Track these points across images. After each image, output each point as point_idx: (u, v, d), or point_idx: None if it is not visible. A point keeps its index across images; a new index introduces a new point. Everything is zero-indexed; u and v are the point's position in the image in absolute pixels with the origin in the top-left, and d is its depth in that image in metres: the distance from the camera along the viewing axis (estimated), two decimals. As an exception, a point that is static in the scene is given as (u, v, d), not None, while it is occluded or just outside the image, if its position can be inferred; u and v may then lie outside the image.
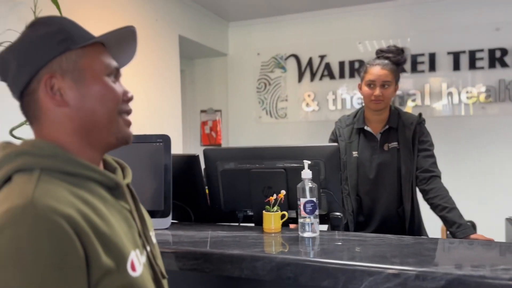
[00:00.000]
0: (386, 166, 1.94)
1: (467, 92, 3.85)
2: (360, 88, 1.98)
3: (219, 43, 4.63)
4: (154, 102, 3.50)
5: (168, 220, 1.61)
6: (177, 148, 3.65)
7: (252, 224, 1.65)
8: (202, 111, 4.92)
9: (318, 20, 4.36)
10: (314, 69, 4.42)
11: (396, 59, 1.91)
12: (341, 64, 4.28)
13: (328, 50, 4.34)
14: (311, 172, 1.42)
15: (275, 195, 1.52)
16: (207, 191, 1.74)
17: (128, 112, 0.82)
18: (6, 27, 2.09)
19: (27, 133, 0.88)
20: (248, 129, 4.75)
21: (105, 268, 0.65)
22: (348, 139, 2.01)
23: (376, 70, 1.88)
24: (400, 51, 1.92)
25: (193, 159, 1.72)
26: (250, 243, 1.31)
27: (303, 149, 1.62)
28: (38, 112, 0.75)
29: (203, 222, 1.73)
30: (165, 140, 1.61)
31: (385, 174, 1.94)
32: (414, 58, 3.98)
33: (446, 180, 1.90)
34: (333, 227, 1.55)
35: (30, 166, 0.69)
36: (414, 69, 4.00)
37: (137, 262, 0.73)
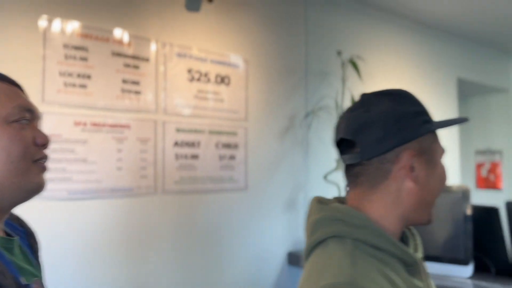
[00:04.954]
0: None
1: None
2: None
3: (499, 79, 4.36)
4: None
5: (469, 269, 1.75)
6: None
7: None
8: (478, 152, 4.51)
9: None
10: None
11: None
12: None
13: None
14: None
15: None
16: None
17: None
18: (322, 94, 2.78)
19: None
20: None
21: None
22: None
23: None
24: None
25: (493, 211, 1.81)
26: None
27: None
28: (382, 180, 0.77)
29: (505, 276, 1.77)
30: (464, 190, 1.80)
31: None
32: None
33: None
34: None
35: (343, 234, 0.75)
36: None
37: None
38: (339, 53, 2.76)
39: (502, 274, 1.77)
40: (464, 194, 1.76)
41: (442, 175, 0.80)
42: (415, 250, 0.83)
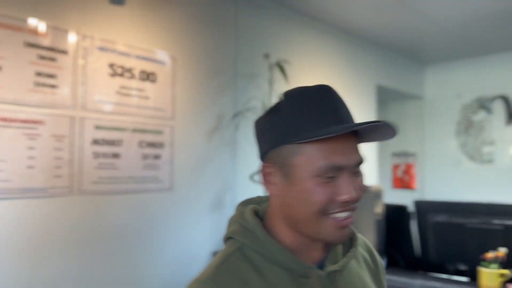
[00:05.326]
0: None
1: None
2: None
3: (414, 87, 4.61)
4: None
5: (382, 264, 1.87)
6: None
7: (465, 279, 1.69)
8: (395, 154, 4.75)
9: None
10: (527, 111, 4.12)
11: None
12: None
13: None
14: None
15: (492, 252, 1.55)
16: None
17: (342, 212, 0.69)
18: (249, 96, 2.78)
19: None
20: (446, 174, 4.48)
21: None
22: None
23: None
24: None
25: (403, 209, 1.93)
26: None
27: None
28: (265, 181, 0.75)
29: (411, 270, 1.86)
30: (377, 190, 1.89)
31: None
32: None
33: None
34: None
35: (236, 237, 0.74)
36: None
37: None
38: (266, 56, 2.81)
39: (410, 268, 1.91)
40: (377, 194, 1.88)
41: (305, 194, 0.68)
42: (335, 262, 0.76)
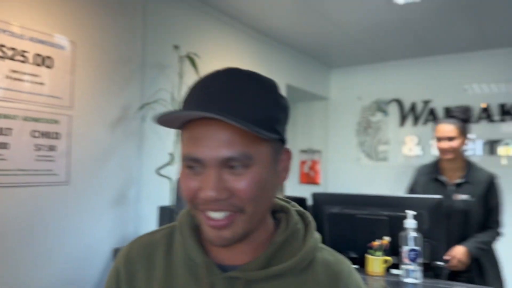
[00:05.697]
0: (455, 215, 2.16)
1: None
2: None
3: (321, 88, 4.86)
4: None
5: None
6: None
7: (356, 266, 1.75)
8: (302, 151, 4.91)
9: (422, 66, 4.48)
10: (417, 114, 4.47)
11: (462, 117, 2.30)
12: (447, 110, 4.27)
13: (432, 96, 4.38)
14: (415, 222, 1.59)
15: (378, 241, 1.69)
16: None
17: (208, 211, 0.61)
18: (158, 87, 2.70)
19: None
20: (347, 170, 4.80)
21: None
22: (424, 186, 2.29)
23: (442, 127, 2.24)
24: (465, 110, 2.30)
25: (302, 201, 2.03)
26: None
27: (407, 199, 1.81)
28: None
29: None
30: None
31: (454, 222, 2.15)
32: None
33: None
34: (435, 276, 1.73)
35: (178, 217, 0.75)
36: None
37: None
38: (176, 47, 2.75)
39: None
40: (279, 188, 1.96)
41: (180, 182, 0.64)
42: (267, 263, 0.66)
